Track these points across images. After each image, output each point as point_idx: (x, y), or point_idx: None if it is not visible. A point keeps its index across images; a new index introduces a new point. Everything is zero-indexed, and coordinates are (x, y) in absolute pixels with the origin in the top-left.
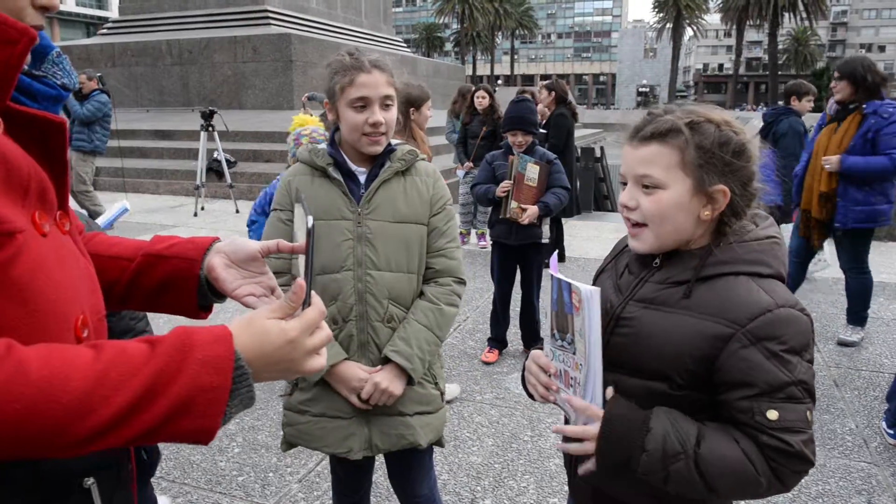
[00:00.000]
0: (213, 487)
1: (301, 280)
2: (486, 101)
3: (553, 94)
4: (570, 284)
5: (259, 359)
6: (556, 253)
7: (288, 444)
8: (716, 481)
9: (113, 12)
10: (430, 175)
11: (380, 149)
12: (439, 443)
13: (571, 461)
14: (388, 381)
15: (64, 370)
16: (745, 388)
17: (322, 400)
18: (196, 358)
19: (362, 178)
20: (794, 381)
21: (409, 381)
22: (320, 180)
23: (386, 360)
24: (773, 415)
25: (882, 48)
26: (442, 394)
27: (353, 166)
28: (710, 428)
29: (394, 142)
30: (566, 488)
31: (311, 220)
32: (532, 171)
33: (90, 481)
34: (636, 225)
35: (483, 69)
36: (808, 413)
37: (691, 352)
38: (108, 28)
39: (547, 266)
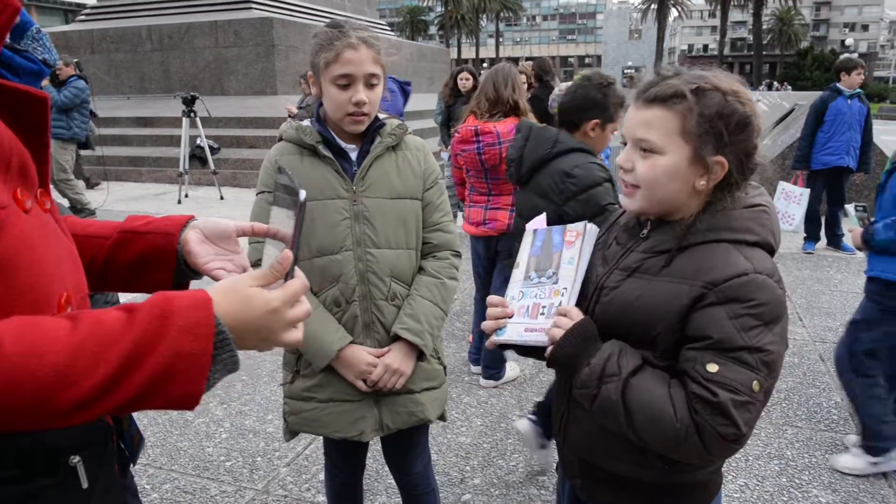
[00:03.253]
0: (200, 473)
1: (288, 251)
2: (470, 83)
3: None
4: (563, 227)
5: (239, 325)
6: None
7: (292, 434)
8: (634, 412)
9: None
10: (419, 149)
11: (362, 128)
12: (443, 417)
13: (561, 431)
14: (398, 361)
15: (40, 344)
16: (698, 340)
17: (329, 385)
18: (175, 324)
19: (353, 155)
20: (749, 346)
21: (419, 357)
22: (310, 159)
23: (394, 339)
24: (712, 367)
25: (865, 27)
26: (445, 368)
27: (343, 143)
28: (654, 369)
29: (381, 116)
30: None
31: (303, 193)
32: None
33: (76, 459)
34: (631, 185)
35: (468, 52)
36: (754, 383)
37: (671, 317)
38: (87, 14)
39: None
